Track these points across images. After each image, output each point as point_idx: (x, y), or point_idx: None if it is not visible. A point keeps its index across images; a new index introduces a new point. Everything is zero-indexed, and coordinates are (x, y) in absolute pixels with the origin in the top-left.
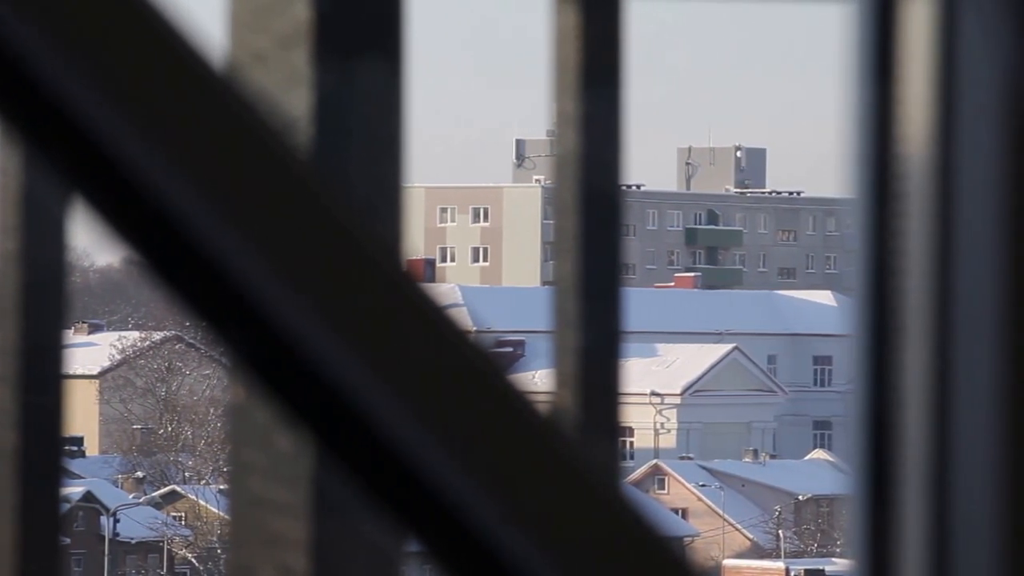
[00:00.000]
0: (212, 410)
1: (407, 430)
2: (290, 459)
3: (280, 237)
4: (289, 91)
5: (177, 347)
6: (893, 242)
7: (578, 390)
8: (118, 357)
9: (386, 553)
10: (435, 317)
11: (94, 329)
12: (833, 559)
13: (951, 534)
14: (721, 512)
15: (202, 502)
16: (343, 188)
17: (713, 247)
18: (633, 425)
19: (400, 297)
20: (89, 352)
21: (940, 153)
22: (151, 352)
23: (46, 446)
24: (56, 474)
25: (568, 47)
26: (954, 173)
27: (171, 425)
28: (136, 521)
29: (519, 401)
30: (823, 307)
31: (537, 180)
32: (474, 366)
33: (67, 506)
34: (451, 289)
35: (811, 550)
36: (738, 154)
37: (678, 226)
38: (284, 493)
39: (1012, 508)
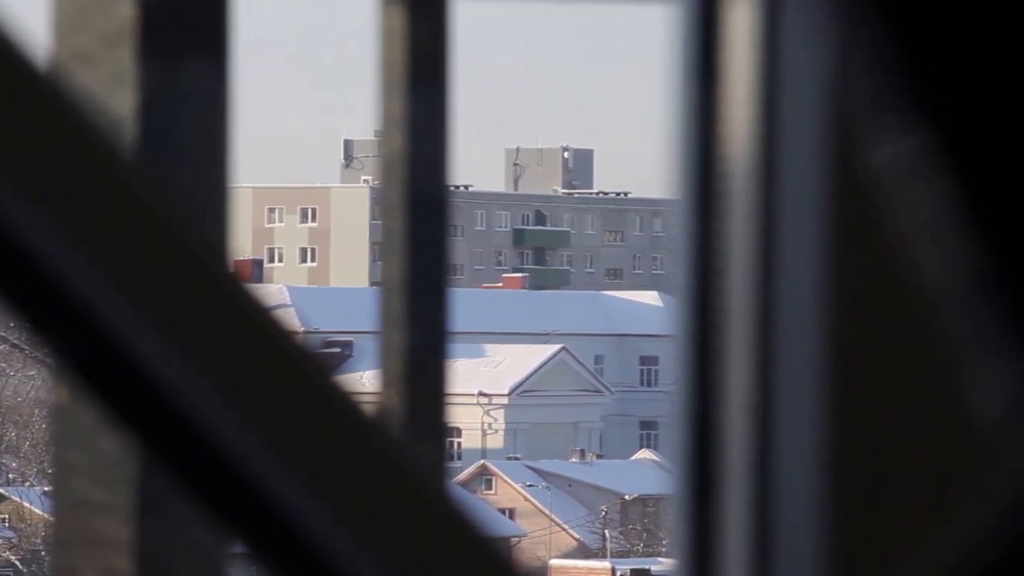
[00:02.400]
0: (37, 411)
1: (232, 432)
2: (114, 461)
3: (105, 238)
4: (114, 91)
5: (1, 348)
6: (716, 243)
7: (404, 391)
8: None
9: (210, 554)
10: (261, 318)
11: None
12: (659, 558)
13: (773, 532)
14: (548, 512)
15: (26, 504)
16: (169, 189)
17: (541, 248)
18: (461, 426)
19: (226, 298)
20: None
21: (763, 154)
22: None
23: None
24: None
25: (394, 47)
26: (777, 174)
27: None
28: None
29: (345, 402)
30: (650, 308)
31: (365, 180)
32: (300, 367)
33: None
34: (279, 290)
35: (637, 550)
36: (565, 155)
37: (506, 227)
38: (108, 495)
39: (833, 506)
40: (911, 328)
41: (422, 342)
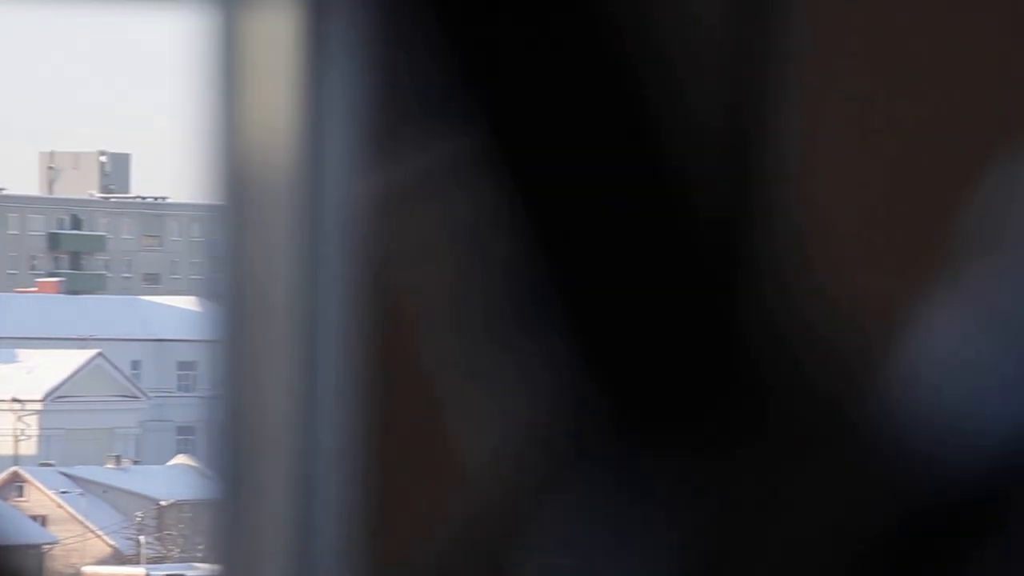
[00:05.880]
0: None
1: None
2: None
3: None
4: None
5: None
6: (251, 248)
7: None
8: None
9: None
10: None
11: None
12: (194, 564)
13: (308, 533)
14: (82, 519)
15: None
16: None
17: (77, 252)
18: None
19: None
20: None
21: (301, 158)
22: None
23: None
24: None
25: None
26: (314, 178)
27: None
28: None
29: None
30: (188, 312)
31: None
32: None
33: None
34: None
35: (173, 555)
36: (102, 159)
37: (41, 231)
38: None
39: (369, 508)
40: (439, 333)
41: None
